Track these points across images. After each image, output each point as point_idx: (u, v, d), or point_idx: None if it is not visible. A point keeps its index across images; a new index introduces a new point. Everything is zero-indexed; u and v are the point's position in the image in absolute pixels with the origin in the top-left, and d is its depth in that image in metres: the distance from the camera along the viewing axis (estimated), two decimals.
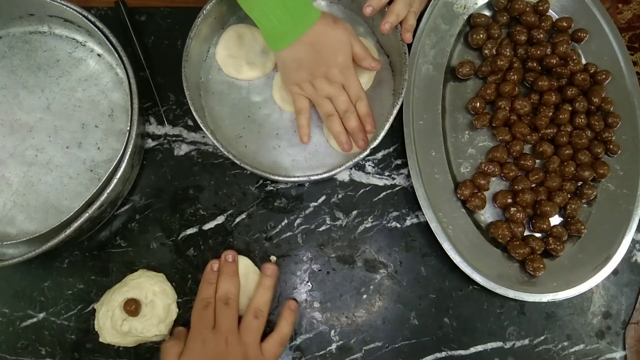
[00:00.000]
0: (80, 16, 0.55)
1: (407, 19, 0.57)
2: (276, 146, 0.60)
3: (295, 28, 0.52)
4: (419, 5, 0.60)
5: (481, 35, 0.65)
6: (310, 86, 0.56)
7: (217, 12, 0.60)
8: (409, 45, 0.62)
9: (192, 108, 0.54)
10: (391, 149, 0.64)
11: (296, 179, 0.56)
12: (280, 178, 0.56)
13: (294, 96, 0.58)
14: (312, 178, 0.56)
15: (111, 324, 0.53)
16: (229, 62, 0.62)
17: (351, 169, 0.63)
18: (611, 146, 0.63)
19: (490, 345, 0.60)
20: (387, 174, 0.63)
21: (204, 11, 0.58)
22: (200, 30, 0.58)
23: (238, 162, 0.54)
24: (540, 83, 0.63)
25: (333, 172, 0.56)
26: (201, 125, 0.54)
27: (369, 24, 0.64)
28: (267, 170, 0.57)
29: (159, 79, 0.63)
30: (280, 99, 0.61)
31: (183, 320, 0.57)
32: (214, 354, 0.50)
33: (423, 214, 0.59)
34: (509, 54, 0.64)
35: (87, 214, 0.50)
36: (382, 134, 0.56)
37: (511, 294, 0.57)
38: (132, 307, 0.53)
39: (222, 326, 0.52)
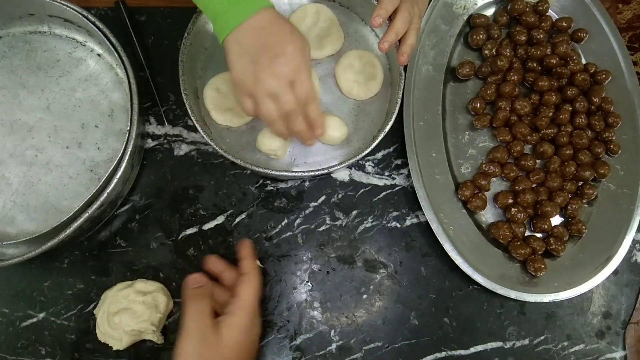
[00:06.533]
0: (80, 16, 0.55)
1: (407, 37, 0.53)
2: None
3: (241, 8, 0.46)
4: (419, 21, 0.54)
5: (481, 36, 0.65)
6: (252, 79, 0.47)
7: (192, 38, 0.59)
8: None
9: (193, 119, 0.54)
10: (391, 149, 0.64)
11: (296, 174, 0.56)
12: (283, 173, 0.56)
13: (238, 96, 0.51)
14: (309, 174, 0.56)
15: (107, 325, 0.53)
16: (217, 109, 0.59)
17: (351, 168, 0.63)
18: (611, 146, 0.63)
19: (490, 345, 0.60)
20: (387, 174, 0.63)
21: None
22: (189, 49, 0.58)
23: (240, 163, 0.54)
24: (540, 83, 0.63)
25: (335, 168, 0.56)
26: (202, 134, 0.54)
27: (366, 21, 0.64)
28: (267, 167, 0.57)
29: (159, 79, 0.63)
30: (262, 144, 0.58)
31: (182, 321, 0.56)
32: None
33: (423, 214, 0.59)
34: (509, 54, 0.64)
35: (87, 214, 0.50)
36: (383, 134, 0.55)
37: (512, 294, 0.57)
38: None
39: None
